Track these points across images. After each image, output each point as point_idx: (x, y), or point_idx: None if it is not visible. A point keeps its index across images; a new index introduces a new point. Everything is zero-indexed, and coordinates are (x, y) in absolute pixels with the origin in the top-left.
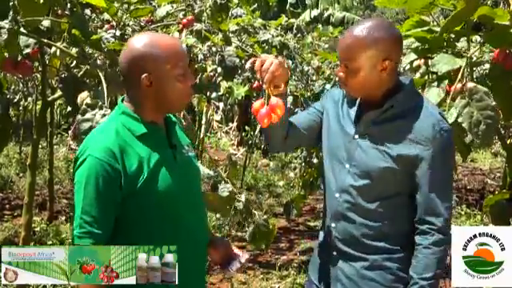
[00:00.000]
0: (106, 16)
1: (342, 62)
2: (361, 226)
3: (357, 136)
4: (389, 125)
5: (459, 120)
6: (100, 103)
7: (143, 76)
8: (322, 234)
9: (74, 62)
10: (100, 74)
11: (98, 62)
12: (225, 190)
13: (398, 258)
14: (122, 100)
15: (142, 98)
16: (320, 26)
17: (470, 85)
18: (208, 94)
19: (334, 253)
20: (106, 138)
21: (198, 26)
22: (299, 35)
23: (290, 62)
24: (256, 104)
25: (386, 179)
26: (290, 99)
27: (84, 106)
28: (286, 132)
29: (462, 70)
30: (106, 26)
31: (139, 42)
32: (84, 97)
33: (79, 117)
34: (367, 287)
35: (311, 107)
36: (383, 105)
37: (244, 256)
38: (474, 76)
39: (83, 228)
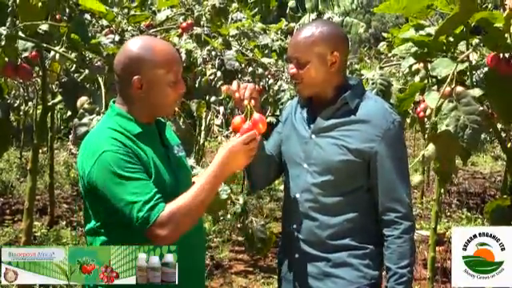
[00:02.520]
0: (105, 22)
1: (292, 59)
2: (323, 224)
3: (313, 136)
4: (343, 121)
5: (445, 123)
6: (97, 108)
7: (134, 78)
8: (282, 240)
9: (74, 67)
10: (99, 78)
11: (97, 65)
12: (224, 192)
13: (362, 254)
14: (114, 102)
15: (132, 99)
16: None
17: (459, 89)
18: (208, 98)
19: (297, 255)
20: (112, 135)
21: (197, 30)
22: None
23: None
24: (236, 120)
25: (345, 173)
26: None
27: (81, 111)
28: (267, 167)
29: (451, 73)
30: (106, 31)
31: (134, 44)
32: (83, 101)
33: (76, 121)
34: (333, 285)
35: (278, 125)
36: (335, 103)
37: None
38: (474, 79)
39: (142, 211)
